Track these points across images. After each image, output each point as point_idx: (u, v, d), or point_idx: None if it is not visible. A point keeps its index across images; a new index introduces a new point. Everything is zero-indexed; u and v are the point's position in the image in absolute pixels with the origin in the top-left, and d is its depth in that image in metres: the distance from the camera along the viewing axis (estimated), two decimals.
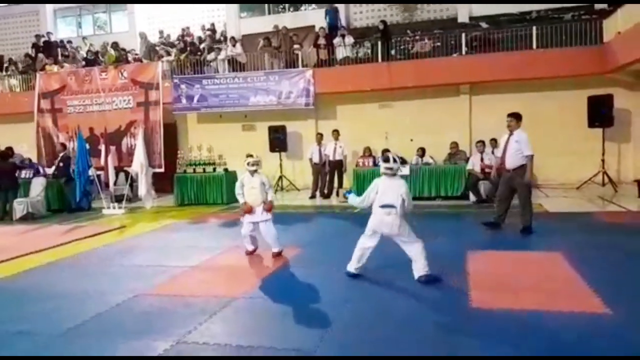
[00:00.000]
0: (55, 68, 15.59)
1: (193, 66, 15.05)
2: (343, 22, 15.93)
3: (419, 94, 13.25)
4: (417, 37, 14.37)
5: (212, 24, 17.97)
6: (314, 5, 18.06)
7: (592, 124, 11.56)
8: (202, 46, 16.01)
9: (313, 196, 12.34)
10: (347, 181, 12.31)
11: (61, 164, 11.75)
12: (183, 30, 17.84)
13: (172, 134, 14.69)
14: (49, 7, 21.00)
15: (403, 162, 11.40)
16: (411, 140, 12.81)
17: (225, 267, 6.16)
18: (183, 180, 12.03)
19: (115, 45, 17.08)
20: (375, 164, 11.10)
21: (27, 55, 18.03)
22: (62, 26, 21.49)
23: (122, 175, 12.82)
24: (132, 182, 12.22)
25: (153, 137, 12.19)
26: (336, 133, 12.38)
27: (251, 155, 6.57)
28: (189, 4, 19.00)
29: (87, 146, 11.56)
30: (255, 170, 6.49)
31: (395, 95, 13.43)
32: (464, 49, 13.13)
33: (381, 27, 13.81)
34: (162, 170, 12.14)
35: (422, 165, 11.43)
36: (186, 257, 6.59)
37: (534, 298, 4.46)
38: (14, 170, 11.24)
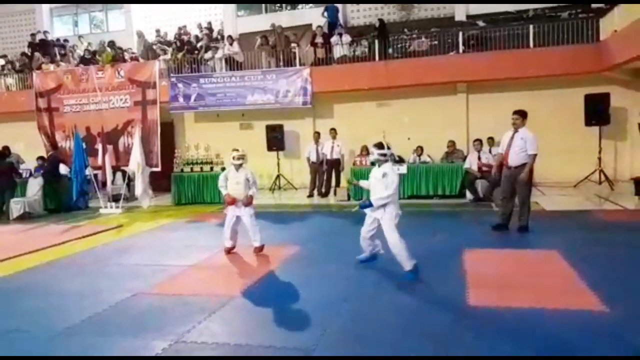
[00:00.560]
0: (51, 67, 15.54)
1: (190, 65, 15.02)
2: (341, 20, 15.91)
3: (416, 93, 13.25)
4: (415, 36, 14.37)
5: (209, 23, 17.92)
6: (311, 4, 18.04)
7: (588, 122, 11.59)
8: (199, 45, 15.97)
9: (311, 195, 12.34)
10: (345, 180, 12.30)
11: (46, 164, 11.70)
12: (180, 29, 17.79)
13: (169, 133, 14.65)
14: (45, 6, 20.91)
15: (401, 160, 11.46)
16: (408, 138, 12.81)
17: (223, 266, 6.16)
18: (180, 180, 12.01)
19: (111, 44, 17.02)
20: (372, 163, 11.10)
21: (23, 54, 17.97)
22: (58, 25, 21.40)
23: (119, 174, 12.79)
24: (129, 181, 12.19)
25: (150, 136, 12.13)
26: (334, 132, 12.38)
27: (237, 150, 6.62)
28: (186, 3, 18.95)
29: (84, 145, 11.53)
30: (241, 165, 6.54)
31: (392, 93, 13.44)
32: (461, 47, 13.14)
33: (378, 25, 13.80)
34: (159, 169, 12.11)
35: (419, 163, 11.44)
36: (184, 256, 6.59)
37: (531, 296, 4.48)
38: (11, 169, 11.20)
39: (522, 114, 7.12)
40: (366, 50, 14.08)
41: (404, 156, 11.90)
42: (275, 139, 13.61)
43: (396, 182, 5.18)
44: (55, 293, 5.24)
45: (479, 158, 10.55)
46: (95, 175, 11.92)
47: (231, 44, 14.80)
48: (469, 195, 10.57)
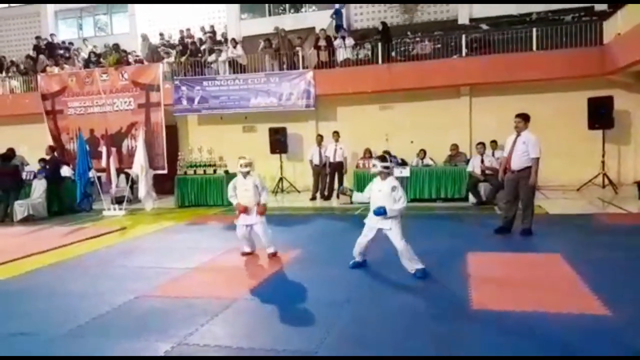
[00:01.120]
0: (55, 70, 15.62)
1: (193, 68, 15.07)
2: (344, 23, 15.96)
3: (419, 96, 13.26)
4: (418, 39, 14.40)
5: (212, 26, 18.00)
6: (314, 7, 18.10)
7: (592, 125, 11.57)
8: (202, 48, 16.03)
9: (313, 198, 12.35)
10: (348, 183, 12.32)
11: (47, 167, 11.74)
12: (181, 32, 17.88)
13: (172, 135, 14.69)
14: (50, 9, 21.05)
15: (403, 163, 11.47)
16: (411, 142, 12.83)
17: (226, 269, 6.17)
18: (183, 182, 12.04)
19: (116, 47, 17.11)
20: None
21: (28, 56, 18.07)
22: (62, 28, 21.53)
23: (122, 177, 12.83)
24: (133, 183, 12.23)
25: (155, 139, 12.18)
26: (336, 135, 12.39)
27: (243, 157, 6.51)
28: (190, 4, 19.02)
29: (87, 148, 11.57)
30: (248, 172, 6.44)
31: (395, 97, 13.45)
32: (464, 50, 13.15)
33: (381, 28, 13.83)
34: (165, 171, 12.14)
35: (422, 166, 11.44)
36: (187, 259, 6.60)
37: (534, 300, 4.47)
38: (16, 171, 11.25)
39: (524, 117, 7.10)
40: (369, 53, 14.11)
41: (406, 159, 11.91)
42: (278, 142, 13.64)
43: (404, 194, 5.34)
44: (59, 295, 5.26)
45: (482, 161, 10.53)
46: (99, 178, 11.95)
47: (235, 47, 14.86)
48: (472, 198, 10.55)
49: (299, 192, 13.77)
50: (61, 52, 18.02)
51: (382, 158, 5.47)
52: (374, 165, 5.46)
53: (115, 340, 3.96)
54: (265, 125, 14.06)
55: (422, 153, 11.83)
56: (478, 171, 10.45)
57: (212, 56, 15.05)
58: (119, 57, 16.29)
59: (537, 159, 6.92)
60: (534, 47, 12.39)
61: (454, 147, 11.73)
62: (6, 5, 21.56)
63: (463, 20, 16.12)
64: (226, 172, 12.03)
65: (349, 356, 3.58)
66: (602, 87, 11.79)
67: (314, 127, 14.12)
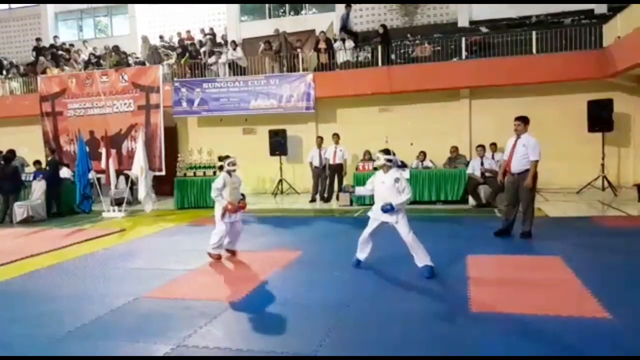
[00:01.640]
0: (55, 71, 15.63)
1: (193, 70, 15.08)
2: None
3: (419, 98, 13.27)
4: (417, 42, 14.42)
5: (211, 28, 18.02)
6: (314, 9, 18.13)
7: (592, 128, 11.57)
8: (202, 50, 16.05)
9: (313, 200, 12.34)
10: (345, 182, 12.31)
11: (47, 168, 11.74)
12: (179, 34, 17.90)
13: (172, 137, 14.71)
14: (50, 11, 21.09)
15: (403, 165, 11.46)
16: (411, 144, 12.83)
17: (225, 271, 6.17)
18: (183, 184, 12.04)
19: (116, 49, 17.12)
20: (375, 168, 11.12)
21: (29, 64, 18.04)
22: (63, 29, 21.56)
23: (122, 178, 12.83)
24: (132, 185, 12.23)
25: (154, 141, 12.19)
26: (336, 137, 12.39)
27: (229, 156, 6.63)
28: (190, 4, 19.05)
29: (87, 149, 11.57)
30: (234, 170, 6.59)
31: (395, 99, 13.46)
32: (463, 53, 13.17)
33: (381, 31, 13.85)
34: (163, 173, 12.14)
35: (422, 169, 11.44)
36: (186, 261, 6.59)
37: (534, 302, 4.46)
38: (16, 173, 11.24)
39: (523, 120, 7.10)
40: (369, 55, 14.13)
41: (406, 161, 11.91)
42: (278, 144, 13.64)
43: (408, 184, 5.37)
44: (57, 297, 5.25)
45: (482, 164, 10.53)
46: (99, 179, 11.95)
47: (234, 49, 14.87)
48: (471, 201, 10.55)
49: (298, 194, 13.77)
50: (62, 53, 18.03)
51: (385, 151, 5.52)
52: (377, 158, 5.54)
53: (115, 342, 3.95)
54: (265, 127, 14.06)
55: (422, 155, 11.82)
56: (478, 173, 10.45)
57: (212, 58, 15.06)
58: (118, 59, 16.31)
59: (536, 161, 6.92)
60: (534, 50, 12.41)
61: (454, 149, 11.73)
62: (6, 6, 21.60)
63: (463, 23, 16.15)
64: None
65: (349, 356, 3.58)
66: (602, 90, 11.81)
67: (313, 129, 14.13)
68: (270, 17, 18.39)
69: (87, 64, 16.91)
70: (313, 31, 16.30)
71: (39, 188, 11.31)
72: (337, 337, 3.91)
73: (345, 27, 14.73)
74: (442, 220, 9.30)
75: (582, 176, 11.71)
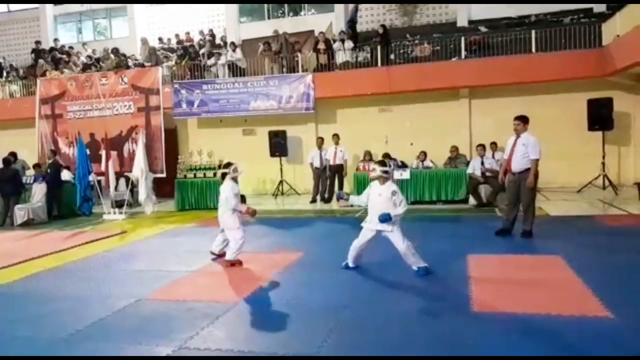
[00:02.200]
0: (55, 74, 15.63)
1: (193, 71, 15.09)
2: (343, 26, 15.98)
3: (418, 98, 13.27)
4: (417, 41, 14.43)
5: (211, 30, 18.02)
6: (313, 10, 18.14)
7: (592, 127, 11.58)
8: (201, 51, 16.06)
9: (314, 200, 12.34)
10: (348, 185, 12.32)
11: (49, 170, 11.75)
12: (176, 36, 17.89)
13: (172, 139, 14.71)
14: (49, 13, 21.09)
15: (403, 165, 11.47)
16: (411, 144, 12.83)
17: (226, 272, 6.16)
18: (184, 185, 12.04)
19: (115, 51, 17.13)
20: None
21: (29, 66, 18.06)
22: (62, 32, 21.55)
23: (122, 180, 12.83)
24: (133, 187, 12.23)
25: (154, 143, 12.19)
26: (336, 137, 12.38)
27: (230, 163, 6.58)
28: (189, 4, 19.05)
29: (87, 152, 11.57)
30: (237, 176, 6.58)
31: (395, 99, 13.46)
32: (463, 53, 13.17)
33: (381, 31, 13.86)
34: (164, 175, 12.13)
35: (422, 169, 11.44)
36: (187, 262, 6.60)
37: (535, 302, 4.47)
38: (17, 176, 11.24)
39: (523, 120, 7.10)
40: (369, 56, 14.13)
41: (406, 161, 11.92)
42: (278, 145, 13.64)
43: (404, 198, 5.46)
44: (59, 299, 5.25)
45: (482, 163, 10.53)
46: (99, 182, 11.96)
47: (234, 50, 14.87)
48: (472, 200, 10.55)
49: (299, 194, 13.77)
50: (61, 56, 18.04)
51: (381, 163, 5.53)
52: (373, 170, 5.51)
53: (116, 344, 3.95)
54: (265, 128, 14.06)
55: (422, 155, 11.82)
56: (478, 173, 10.45)
57: (212, 59, 15.07)
58: (118, 61, 16.32)
59: (537, 160, 6.92)
60: (533, 49, 12.41)
61: (454, 149, 11.73)
62: (6, 10, 21.61)
63: (462, 22, 16.16)
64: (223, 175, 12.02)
65: (349, 356, 3.58)
66: (602, 89, 11.81)
67: (313, 129, 14.13)
68: (269, 18, 18.39)
69: (86, 66, 16.91)
70: (312, 32, 16.31)
71: (39, 190, 11.32)
72: (338, 338, 3.91)
73: (352, 21, 14.69)
74: (443, 220, 9.30)
75: (582, 175, 11.71)
